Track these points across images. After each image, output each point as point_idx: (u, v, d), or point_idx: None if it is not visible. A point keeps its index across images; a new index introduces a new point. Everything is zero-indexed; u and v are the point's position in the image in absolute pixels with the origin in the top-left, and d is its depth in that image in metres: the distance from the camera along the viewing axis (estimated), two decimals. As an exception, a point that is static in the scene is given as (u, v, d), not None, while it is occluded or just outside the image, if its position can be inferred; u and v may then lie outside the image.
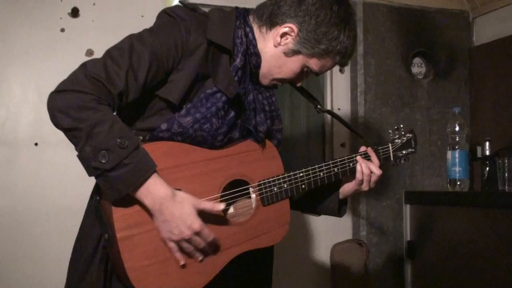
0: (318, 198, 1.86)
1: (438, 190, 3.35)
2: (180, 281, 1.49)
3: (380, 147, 1.86)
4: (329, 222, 3.21)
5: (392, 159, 1.87)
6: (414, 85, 3.39)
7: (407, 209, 3.16)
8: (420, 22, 3.43)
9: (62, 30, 2.77)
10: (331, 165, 1.74)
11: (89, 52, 2.82)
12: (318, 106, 1.85)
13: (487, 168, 3.03)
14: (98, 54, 2.78)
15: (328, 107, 3.28)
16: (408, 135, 1.90)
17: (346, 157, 1.77)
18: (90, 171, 1.39)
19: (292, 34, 1.60)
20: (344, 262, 3.06)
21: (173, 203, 1.43)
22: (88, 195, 1.68)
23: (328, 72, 3.26)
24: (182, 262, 1.48)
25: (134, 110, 1.56)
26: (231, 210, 1.64)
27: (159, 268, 1.46)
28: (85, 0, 2.84)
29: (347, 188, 1.82)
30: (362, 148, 1.82)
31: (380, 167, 1.82)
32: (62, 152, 2.71)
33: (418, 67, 3.49)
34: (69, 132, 1.39)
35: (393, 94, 3.32)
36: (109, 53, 1.48)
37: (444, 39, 3.48)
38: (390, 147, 1.86)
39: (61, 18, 2.77)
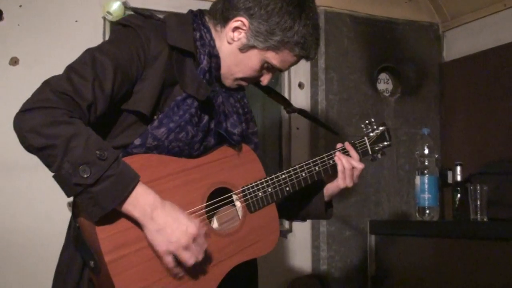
0: (303, 202, 1.99)
1: (405, 219, 3.41)
2: None
3: (356, 141, 1.98)
4: (287, 255, 3.25)
5: (370, 152, 2.00)
6: (380, 103, 3.47)
7: (372, 240, 3.20)
8: (387, 34, 3.52)
9: (-18, 35, 2.74)
10: (312, 164, 1.86)
11: (14, 61, 2.80)
12: (290, 105, 1.99)
13: (458, 195, 3.10)
14: (25, 62, 2.83)
15: (285, 127, 3.33)
16: (381, 128, 2.03)
17: (325, 155, 1.89)
18: (71, 189, 1.42)
19: (244, 27, 1.69)
20: (302, 300, 3.08)
21: (164, 209, 1.50)
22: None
23: (286, 88, 3.33)
24: (180, 274, 1.54)
25: (104, 128, 1.62)
26: (215, 221, 1.72)
27: None
28: (9, 2, 2.81)
29: (331, 188, 1.95)
30: (339, 145, 1.94)
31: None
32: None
33: (385, 84, 3.58)
34: (42, 151, 1.43)
35: (357, 113, 3.38)
36: (71, 67, 1.56)
37: (412, 54, 3.58)
38: (367, 140, 2.00)
39: (-20, 22, 2.76)
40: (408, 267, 3.01)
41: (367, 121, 2.05)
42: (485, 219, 2.81)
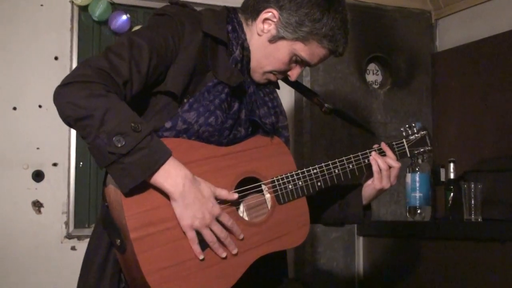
0: (341, 206, 2.06)
1: (395, 219, 3.42)
2: (200, 286, 1.64)
3: (394, 142, 2.04)
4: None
5: (408, 155, 2.05)
6: (369, 96, 3.48)
7: (359, 242, 3.23)
8: (376, 22, 3.53)
9: None
10: (345, 162, 1.93)
11: (-26, 48, 2.78)
12: (326, 104, 2.08)
13: (451, 194, 3.11)
14: (-14, 50, 2.79)
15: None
16: (422, 132, 2.08)
17: (360, 153, 1.96)
18: (105, 158, 1.54)
19: (274, 19, 1.82)
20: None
21: (194, 185, 1.62)
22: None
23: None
24: (201, 257, 1.63)
25: (137, 112, 1.70)
26: (243, 209, 1.80)
27: (178, 271, 1.61)
28: (-34, -18, 2.82)
29: (368, 190, 2.00)
30: (375, 146, 2.01)
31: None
32: None
33: (374, 75, 3.60)
34: (80, 122, 1.56)
35: (345, 106, 3.33)
36: (109, 48, 1.70)
37: (403, 43, 3.59)
38: (405, 143, 2.05)
39: None
40: (398, 270, 3.01)
41: (407, 125, 2.10)
42: (479, 219, 2.82)
